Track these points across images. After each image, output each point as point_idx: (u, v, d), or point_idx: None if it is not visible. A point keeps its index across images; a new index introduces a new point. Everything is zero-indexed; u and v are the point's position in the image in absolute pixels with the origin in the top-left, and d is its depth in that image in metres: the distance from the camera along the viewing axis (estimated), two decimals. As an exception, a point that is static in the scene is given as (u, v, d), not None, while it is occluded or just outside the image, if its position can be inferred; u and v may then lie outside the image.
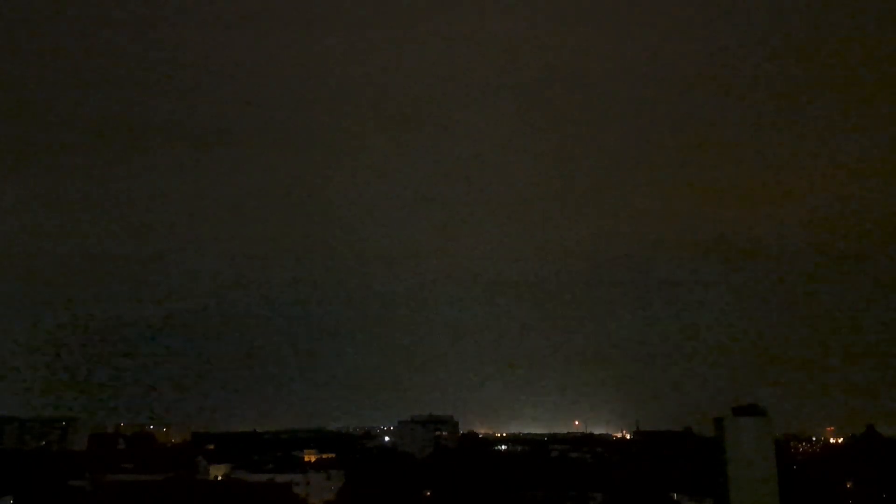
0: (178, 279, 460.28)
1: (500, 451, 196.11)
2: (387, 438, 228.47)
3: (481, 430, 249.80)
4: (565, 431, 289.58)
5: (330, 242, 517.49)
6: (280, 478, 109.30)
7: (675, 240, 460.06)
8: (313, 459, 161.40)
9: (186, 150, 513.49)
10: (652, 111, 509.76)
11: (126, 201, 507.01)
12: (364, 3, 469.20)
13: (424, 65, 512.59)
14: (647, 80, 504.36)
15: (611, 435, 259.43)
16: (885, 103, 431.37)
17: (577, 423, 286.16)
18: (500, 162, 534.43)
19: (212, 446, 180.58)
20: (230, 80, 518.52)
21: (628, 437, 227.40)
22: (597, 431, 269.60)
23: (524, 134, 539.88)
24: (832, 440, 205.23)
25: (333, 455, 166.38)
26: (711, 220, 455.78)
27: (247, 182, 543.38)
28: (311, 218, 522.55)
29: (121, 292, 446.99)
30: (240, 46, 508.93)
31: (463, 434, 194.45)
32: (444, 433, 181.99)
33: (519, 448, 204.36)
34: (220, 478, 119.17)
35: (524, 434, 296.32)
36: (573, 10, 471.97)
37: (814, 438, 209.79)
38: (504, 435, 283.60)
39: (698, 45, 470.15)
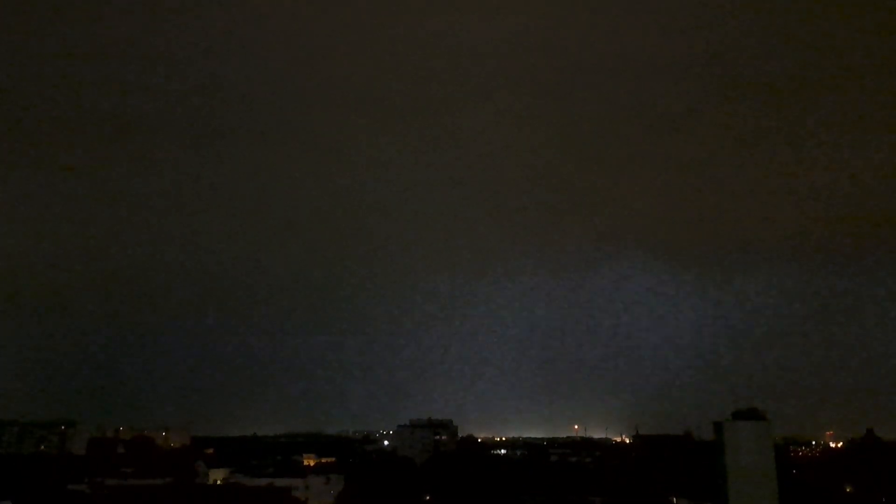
0: (177, 280, 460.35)
1: (499, 455, 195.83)
2: (386, 443, 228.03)
3: (480, 435, 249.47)
4: (564, 436, 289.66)
5: (329, 246, 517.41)
6: (279, 482, 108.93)
7: (676, 241, 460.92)
8: (313, 464, 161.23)
9: (186, 151, 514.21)
10: (654, 110, 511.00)
11: (125, 201, 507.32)
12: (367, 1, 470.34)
13: (427, 64, 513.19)
14: (649, 77, 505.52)
15: (610, 439, 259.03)
16: (888, 103, 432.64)
17: (576, 427, 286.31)
18: (500, 163, 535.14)
19: (211, 450, 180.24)
20: (231, 80, 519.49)
21: (627, 441, 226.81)
22: (596, 436, 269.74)
23: (526, 134, 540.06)
24: (832, 444, 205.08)
25: (333, 459, 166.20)
26: (711, 221, 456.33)
27: (247, 183, 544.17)
28: (310, 222, 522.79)
29: (120, 296, 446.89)
30: (242, 45, 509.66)
31: (462, 438, 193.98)
32: (443, 437, 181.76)
33: (518, 452, 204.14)
34: (219, 482, 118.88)
35: (523, 438, 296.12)
36: (576, 7, 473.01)
37: (813, 442, 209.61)
38: (503, 439, 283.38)
39: (703, 44, 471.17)
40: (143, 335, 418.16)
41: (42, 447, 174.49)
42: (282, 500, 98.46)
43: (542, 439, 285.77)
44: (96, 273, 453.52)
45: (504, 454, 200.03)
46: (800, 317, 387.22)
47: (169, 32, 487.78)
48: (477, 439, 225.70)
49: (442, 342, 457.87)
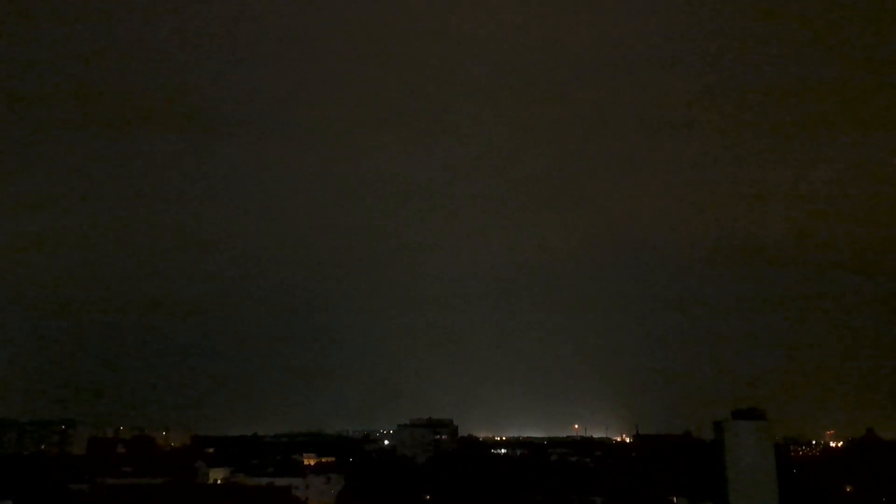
0: (177, 281, 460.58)
1: (499, 454, 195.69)
2: (386, 442, 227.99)
3: (481, 434, 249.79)
4: (564, 435, 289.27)
5: (329, 246, 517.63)
6: (279, 481, 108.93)
7: (675, 244, 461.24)
8: (313, 463, 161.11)
9: (187, 151, 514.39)
10: (654, 110, 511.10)
11: (125, 202, 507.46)
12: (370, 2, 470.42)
13: (427, 63, 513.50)
14: (649, 77, 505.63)
15: (610, 439, 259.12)
16: (885, 105, 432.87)
17: (576, 426, 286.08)
18: (498, 165, 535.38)
19: (211, 450, 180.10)
20: (231, 78, 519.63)
21: (628, 440, 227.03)
22: (596, 435, 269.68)
23: (524, 134, 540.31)
24: (832, 443, 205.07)
25: (333, 459, 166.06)
26: (712, 223, 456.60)
27: (247, 182, 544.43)
28: (310, 221, 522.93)
29: (120, 295, 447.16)
30: (242, 44, 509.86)
31: (462, 438, 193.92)
32: (443, 437, 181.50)
33: (518, 452, 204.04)
34: (219, 481, 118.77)
35: (524, 438, 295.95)
36: (575, 7, 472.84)
37: (813, 442, 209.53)
38: (503, 439, 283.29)
39: (703, 44, 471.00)
40: (143, 335, 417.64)
41: (42, 447, 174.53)
42: (282, 499, 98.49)
43: (542, 439, 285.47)
44: (96, 272, 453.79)
45: (504, 453, 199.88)
46: (799, 317, 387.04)
47: (170, 31, 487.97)
48: (477, 438, 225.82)
49: (442, 342, 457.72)
